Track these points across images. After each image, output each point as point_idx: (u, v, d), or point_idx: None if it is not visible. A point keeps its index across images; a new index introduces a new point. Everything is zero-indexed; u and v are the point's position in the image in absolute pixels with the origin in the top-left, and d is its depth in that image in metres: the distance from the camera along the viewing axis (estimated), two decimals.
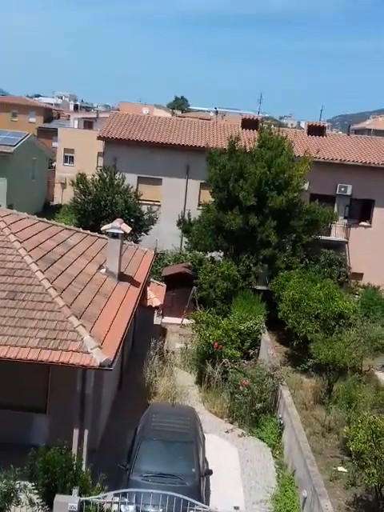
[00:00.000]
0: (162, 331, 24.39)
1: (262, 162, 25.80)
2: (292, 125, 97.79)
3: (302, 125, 62.67)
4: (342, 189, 33.24)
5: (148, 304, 21.60)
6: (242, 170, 25.94)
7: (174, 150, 33.18)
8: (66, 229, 20.48)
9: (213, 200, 27.34)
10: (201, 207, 30.24)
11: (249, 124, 36.37)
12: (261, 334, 21.46)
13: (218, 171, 26.40)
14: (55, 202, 53.46)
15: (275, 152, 26.27)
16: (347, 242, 33.69)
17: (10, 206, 27.45)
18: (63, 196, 51.30)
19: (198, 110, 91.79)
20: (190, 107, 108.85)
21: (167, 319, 26.01)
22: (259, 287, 25.86)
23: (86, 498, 10.28)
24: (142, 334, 21.47)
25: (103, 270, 17.93)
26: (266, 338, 21.33)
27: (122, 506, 11.22)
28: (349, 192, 33.31)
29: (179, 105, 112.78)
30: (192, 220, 28.10)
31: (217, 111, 66.15)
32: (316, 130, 37.27)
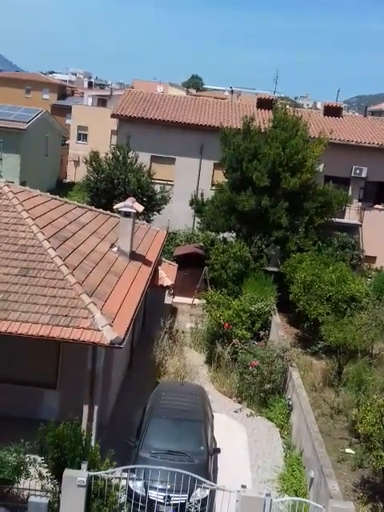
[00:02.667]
0: (172, 311, 24.45)
1: (277, 143, 25.54)
2: (308, 105, 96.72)
3: (319, 105, 61.89)
4: (358, 171, 32.89)
5: (159, 283, 21.63)
6: (256, 150, 25.71)
7: (188, 129, 32.94)
8: (79, 207, 20.48)
9: (226, 180, 27.18)
10: (214, 187, 30.08)
11: (264, 104, 35.97)
12: (271, 315, 21.45)
13: (231, 151, 26.20)
14: (68, 180, 53.49)
15: (290, 133, 25.98)
16: (361, 225, 33.42)
17: (22, 183, 27.55)
18: (76, 174, 51.30)
19: (213, 89, 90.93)
20: (205, 86, 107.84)
21: (178, 299, 26.05)
22: (271, 269, 25.78)
23: (95, 473, 10.40)
24: (152, 314, 21.53)
25: (115, 249, 17.94)
26: (277, 319, 21.31)
27: (130, 482, 11.36)
28: (364, 174, 32.96)
29: (194, 83, 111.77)
30: (205, 200, 27.97)
31: (232, 90, 65.35)
32: (332, 111, 36.79)
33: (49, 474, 10.72)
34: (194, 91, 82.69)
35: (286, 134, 25.78)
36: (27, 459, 10.70)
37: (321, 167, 28.54)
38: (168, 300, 24.39)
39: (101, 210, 22.06)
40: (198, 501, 11.32)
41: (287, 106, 28.49)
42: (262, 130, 26.80)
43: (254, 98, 39.57)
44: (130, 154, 29.57)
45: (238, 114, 33.46)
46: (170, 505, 11.23)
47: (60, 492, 10.46)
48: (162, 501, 11.26)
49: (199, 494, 11.33)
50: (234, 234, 27.19)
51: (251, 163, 25.44)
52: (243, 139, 26.27)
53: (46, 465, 10.68)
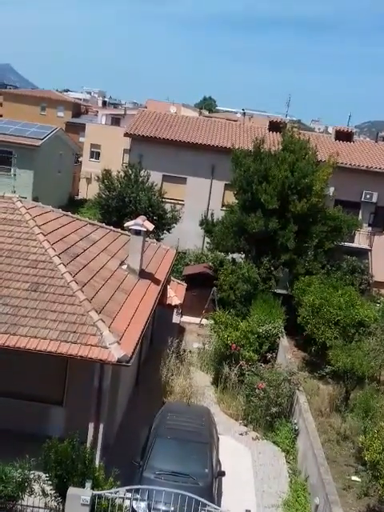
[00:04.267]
0: (180, 330, 24.41)
1: (285, 166, 25.66)
2: (319, 129, 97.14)
3: (330, 130, 62.19)
4: (368, 196, 32.95)
5: (168, 302, 21.64)
6: (267, 172, 25.84)
7: (199, 150, 33.20)
8: (90, 224, 20.61)
9: (236, 201, 27.28)
10: (224, 208, 30.20)
11: (276, 126, 36.23)
12: (279, 337, 21.37)
13: (242, 173, 26.34)
14: (80, 197, 53.87)
15: (298, 155, 26.11)
16: (371, 250, 33.38)
17: (35, 199, 27.73)
18: (88, 191, 51.69)
19: (226, 111, 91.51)
20: (218, 108, 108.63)
21: (186, 318, 26.01)
22: (279, 291, 25.75)
23: (99, 492, 10.33)
24: (160, 332, 21.50)
25: (125, 267, 18.00)
26: (285, 342, 21.22)
27: (134, 502, 11.26)
28: (374, 199, 33.01)
29: (207, 105, 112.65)
30: (215, 221, 28.07)
31: (244, 112, 65.91)
32: (343, 136, 37.01)
33: (52, 492, 10.67)
34: (206, 112, 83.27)
35: (293, 157, 25.90)
36: (32, 475, 10.66)
37: (331, 191, 28.62)
38: (176, 319, 24.32)
39: (111, 227, 22.18)
40: None
41: (295, 129, 28.64)
42: (273, 153, 26.95)
43: (266, 121, 39.86)
44: (142, 173, 29.80)
45: (250, 136, 33.70)
46: None
47: (63, 510, 10.39)
48: None
49: None
50: (243, 255, 27.22)
51: (261, 185, 25.55)
52: (254, 161, 26.42)
53: (50, 482, 10.63)
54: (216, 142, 33.58)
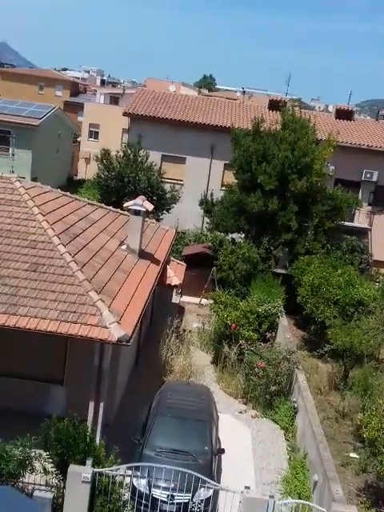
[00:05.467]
0: (179, 310, 24.49)
1: (286, 145, 25.49)
2: (320, 108, 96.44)
3: (330, 108, 61.70)
4: (368, 175, 32.82)
5: (167, 282, 21.68)
6: (266, 152, 25.68)
7: (199, 129, 32.98)
8: (89, 204, 20.55)
9: (236, 181, 27.17)
10: (224, 188, 30.08)
11: (276, 105, 35.88)
12: (278, 317, 21.44)
13: (241, 153, 26.18)
14: (79, 177, 53.63)
15: (298, 134, 25.93)
16: (370, 229, 33.33)
17: (34, 179, 27.61)
18: (87, 171, 51.46)
19: (225, 90, 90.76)
20: (217, 86, 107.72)
21: (186, 298, 26.08)
22: (279, 271, 25.77)
23: (100, 470, 10.44)
24: (160, 312, 21.58)
25: (124, 247, 17.99)
26: (284, 321, 21.30)
27: (135, 479, 11.39)
28: (374, 178, 32.89)
29: (206, 84, 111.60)
30: (214, 200, 27.98)
31: (244, 91, 65.28)
32: (344, 114, 36.74)
33: (53, 470, 10.78)
34: (206, 91, 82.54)
35: (294, 136, 25.73)
36: (33, 454, 10.76)
37: (330, 170, 28.48)
38: (176, 299, 24.43)
39: (111, 207, 22.12)
40: (202, 500, 11.34)
41: (296, 108, 28.41)
42: (272, 132, 26.76)
43: (266, 99, 39.53)
44: (141, 153, 29.63)
45: (250, 114, 33.45)
46: (173, 503, 11.25)
47: (64, 487, 10.52)
48: (166, 499, 11.29)
49: (203, 493, 11.35)
50: (243, 235, 27.19)
51: (260, 165, 25.42)
52: (253, 141, 26.24)
53: (50, 460, 10.73)
54: (215, 121, 33.34)
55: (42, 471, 10.75)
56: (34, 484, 10.75)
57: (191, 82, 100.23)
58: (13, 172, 21.46)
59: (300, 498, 12.41)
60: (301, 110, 29.78)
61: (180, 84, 72.09)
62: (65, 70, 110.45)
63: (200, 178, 32.84)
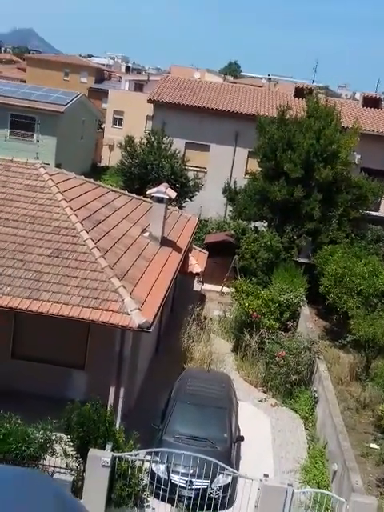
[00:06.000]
0: (201, 298, 24.51)
1: (311, 133, 25.21)
2: (347, 95, 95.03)
3: (357, 96, 60.78)
4: None
5: (189, 270, 21.66)
6: (291, 140, 25.42)
7: (223, 117, 32.76)
8: (112, 191, 20.62)
9: (260, 169, 26.97)
10: (247, 176, 29.87)
11: (302, 93, 35.40)
12: (300, 306, 21.32)
13: (266, 140, 25.93)
14: (102, 164, 53.80)
15: (324, 122, 25.61)
16: None
17: (58, 165, 27.77)
18: (110, 158, 51.58)
19: (251, 77, 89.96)
20: (243, 73, 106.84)
21: (207, 286, 26.08)
22: (301, 260, 25.57)
23: (119, 454, 10.55)
24: (181, 300, 21.61)
25: (146, 234, 18.02)
26: (306, 311, 21.18)
27: (154, 465, 11.49)
28: None
29: (232, 70, 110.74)
30: (238, 189, 27.83)
31: (270, 78, 64.66)
32: (371, 102, 36.13)
33: (74, 453, 10.92)
34: (231, 78, 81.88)
35: (319, 124, 25.42)
36: (53, 437, 10.91)
37: (357, 158, 28.08)
38: (197, 287, 24.43)
39: (134, 194, 22.16)
40: (220, 487, 11.41)
41: (320, 96, 27.95)
42: (298, 120, 26.47)
43: (292, 87, 39.11)
44: (165, 140, 29.57)
45: (275, 102, 33.05)
46: (191, 489, 11.33)
47: (84, 471, 10.66)
48: (184, 485, 11.37)
49: (221, 480, 11.42)
50: (266, 224, 27.02)
51: (285, 153, 25.17)
52: (278, 128, 25.99)
53: (71, 443, 10.88)
54: (240, 109, 33.08)
55: (62, 454, 10.91)
56: (55, 467, 10.91)
57: (216, 68, 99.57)
58: (37, 158, 21.55)
59: (319, 488, 12.40)
60: (327, 98, 29.37)
61: (205, 71, 71.64)
62: (90, 56, 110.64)
63: (224, 166, 32.67)
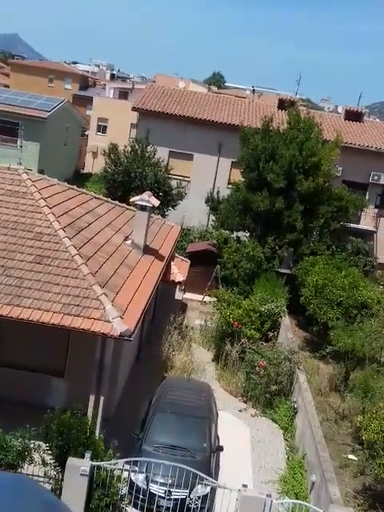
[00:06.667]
0: (182, 307, 24.50)
1: (294, 145, 25.47)
2: (329, 109, 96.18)
3: (340, 109, 61.56)
4: (375, 177, 32.74)
5: (171, 279, 21.66)
6: (274, 151, 25.64)
7: (207, 126, 32.94)
8: (95, 198, 20.57)
9: (243, 180, 27.14)
10: (230, 186, 30.05)
11: (285, 105, 35.81)
12: (281, 317, 21.42)
13: (249, 151, 26.14)
14: (86, 171, 53.65)
15: (306, 135, 25.89)
16: (376, 232, 33.24)
17: (41, 171, 27.62)
18: (94, 165, 51.47)
19: (235, 88, 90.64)
20: (227, 84, 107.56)
21: (189, 295, 26.09)
22: (283, 270, 25.74)
23: (98, 463, 10.47)
24: (162, 308, 21.58)
25: (129, 242, 18.00)
26: (286, 321, 21.29)
27: (132, 474, 11.42)
28: (382, 181, 32.84)
29: (216, 81, 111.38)
30: (221, 198, 27.96)
31: (253, 90, 65.29)
32: (353, 116, 36.62)
33: (52, 461, 10.81)
34: (215, 88, 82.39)
35: (302, 136, 25.68)
36: (32, 445, 10.80)
37: (338, 171, 28.41)
38: (179, 296, 24.42)
39: (117, 202, 22.13)
40: (199, 497, 11.37)
41: (301, 108, 28.26)
42: (281, 131, 26.71)
43: (276, 99, 39.47)
44: (149, 148, 29.61)
45: (259, 113, 33.37)
46: (170, 499, 11.28)
47: (62, 480, 10.55)
48: (163, 495, 11.31)
49: (200, 490, 11.38)
50: (248, 234, 27.17)
51: (268, 164, 25.39)
52: (262, 139, 26.20)
53: (50, 452, 10.77)
54: (224, 119, 33.30)
55: (40, 463, 10.80)
56: (33, 475, 10.78)
57: (201, 78, 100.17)
58: (20, 164, 21.48)
59: (297, 498, 12.42)
60: (308, 111, 29.71)
61: (189, 81, 72.05)
62: (75, 63, 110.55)
63: (207, 176, 32.82)
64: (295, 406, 16.40)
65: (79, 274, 13.69)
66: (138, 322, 13.25)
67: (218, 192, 28.60)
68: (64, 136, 45.19)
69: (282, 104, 36.14)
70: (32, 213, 15.54)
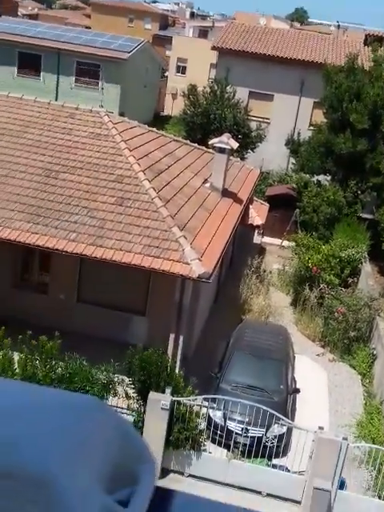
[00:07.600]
0: (260, 251, 24.41)
1: (380, 83, 24.14)
2: None
3: None
4: None
5: (249, 222, 21.56)
6: (359, 90, 24.45)
7: (289, 65, 31.75)
8: (174, 140, 20.52)
9: (325, 121, 26.18)
10: (312, 128, 29.08)
11: (372, 41, 33.84)
12: (362, 263, 20.93)
13: (333, 90, 25.06)
14: (165, 113, 53.43)
15: None
16: None
17: (121, 114, 27.83)
18: (173, 107, 51.11)
19: (319, 24, 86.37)
20: (310, 20, 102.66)
21: (267, 239, 25.91)
22: (365, 215, 24.96)
23: (178, 399, 10.86)
24: (241, 252, 21.61)
25: (208, 185, 17.95)
26: (367, 267, 20.80)
27: (211, 411, 11.78)
28: None
29: (299, 16, 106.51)
30: (301, 140, 27.17)
31: (338, 25, 61.94)
32: None
33: (135, 395, 11.31)
34: (297, 25, 78.86)
35: None
36: (116, 379, 11.32)
37: None
38: (257, 240, 24.33)
39: (196, 144, 22.00)
40: (275, 436, 11.61)
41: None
42: (368, 69, 25.35)
43: (362, 35, 37.36)
44: (228, 89, 29.02)
45: (343, 50, 31.77)
46: (247, 436, 11.59)
47: (144, 412, 11.05)
48: (240, 432, 11.63)
49: (276, 429, 11.61)
50: (329, 178, 26.40)
51: (352, 104, 24.29)
52: (346, 78, 25.01)
53: (132, 386, 11.26)
54: (307, 57, 31.96)
55: (123, 396, 11.32)
56: (117, 407, 11.34)
57: (282, 14, 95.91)
58: (102, 106, 21.64)
59: (374, 443, 12.42)
60: None
61: (271, 17, 69.18)
62: (155, 2, 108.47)
63: (287, 117, 31.86)
64: (375, 352, 16.21)
65: (159, 216, 13.86)
66: (216, 264, 13.35)
67: (298, 134, 27.77)
68: (144, 78, 44.92)
69: (369, 40, 34.15)
70: (113, 155, 15.74)
